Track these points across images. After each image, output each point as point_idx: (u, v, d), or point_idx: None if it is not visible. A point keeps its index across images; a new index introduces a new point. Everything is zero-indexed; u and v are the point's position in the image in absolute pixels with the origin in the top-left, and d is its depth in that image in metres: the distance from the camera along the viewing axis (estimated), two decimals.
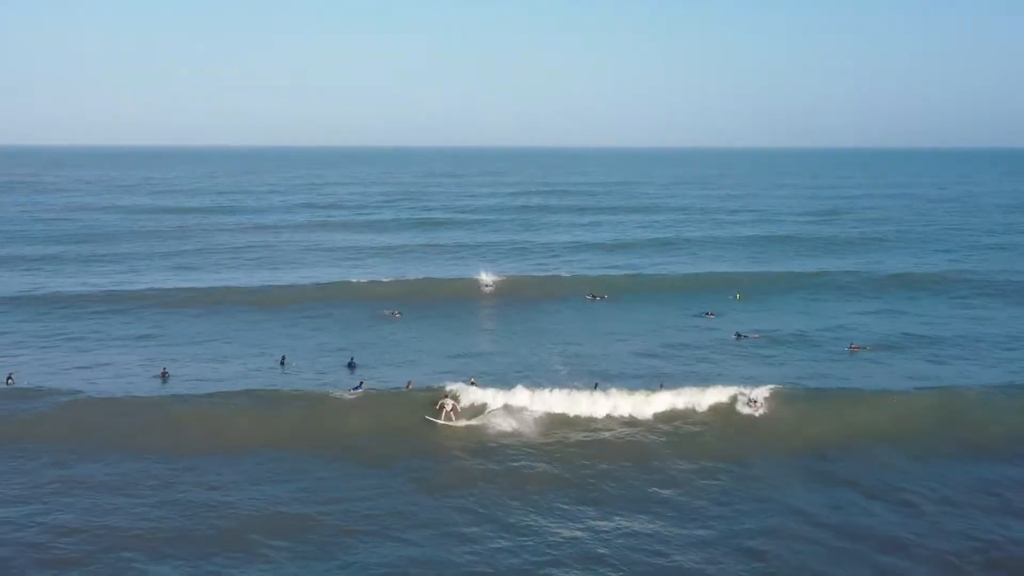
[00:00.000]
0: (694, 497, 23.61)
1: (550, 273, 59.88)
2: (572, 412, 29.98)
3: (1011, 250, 72.08)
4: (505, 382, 32.31)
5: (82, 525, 21.39)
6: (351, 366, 36.18)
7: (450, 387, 30.86)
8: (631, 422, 29.48)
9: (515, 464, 25.91)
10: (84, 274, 59.33)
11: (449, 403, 29.76)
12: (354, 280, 54.51)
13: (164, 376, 34.44)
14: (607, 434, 28.58)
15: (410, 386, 31.63)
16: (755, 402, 30.78)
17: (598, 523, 22.11)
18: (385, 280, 54.46)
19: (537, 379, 32.97)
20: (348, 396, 30.77)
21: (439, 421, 29.25)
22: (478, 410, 29.97)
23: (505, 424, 29.11)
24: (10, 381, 32.84)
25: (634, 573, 19.56)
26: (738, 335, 41.90)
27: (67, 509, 22.33)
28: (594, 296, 52.08)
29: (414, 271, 60.43)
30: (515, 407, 29.96)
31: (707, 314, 47.07)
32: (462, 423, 29.18)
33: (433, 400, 29.98)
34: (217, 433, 27.42)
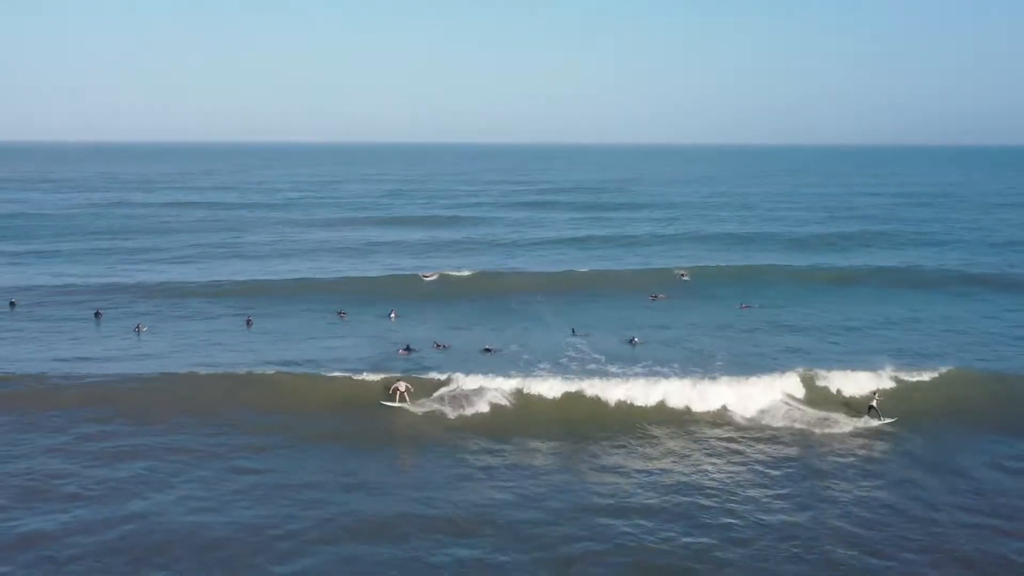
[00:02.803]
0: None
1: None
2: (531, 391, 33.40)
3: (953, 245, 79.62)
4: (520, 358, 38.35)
5: None
6: (391, 316, 47.65)
7: (401, 375, 34.22)
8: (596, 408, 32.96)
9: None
10: (141, 263, 67.16)
11: (403, 385, 32.60)
12: (395, 273, 61.64)
13: (249, 324, 45.28)
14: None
15: (392, 316, 44.15)
16: (876, 409, 31.71)
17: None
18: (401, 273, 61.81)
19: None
20: (400, 353, 39.02)
21: (394, 404, 32.26)
22: (430, 391, 33.31)
23: (457, 406, 32.20)
24: (138, 329, 43.46)
25: None
26: (653, 296, 53.89)
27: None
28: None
29: (448, 263, 67.31)
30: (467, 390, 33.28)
31: (681, 275, 59.03)
32: (414, 406, 32.22)
33: (387, 386, 33.33)
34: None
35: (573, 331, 43.95)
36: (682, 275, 59.42)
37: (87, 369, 36.44)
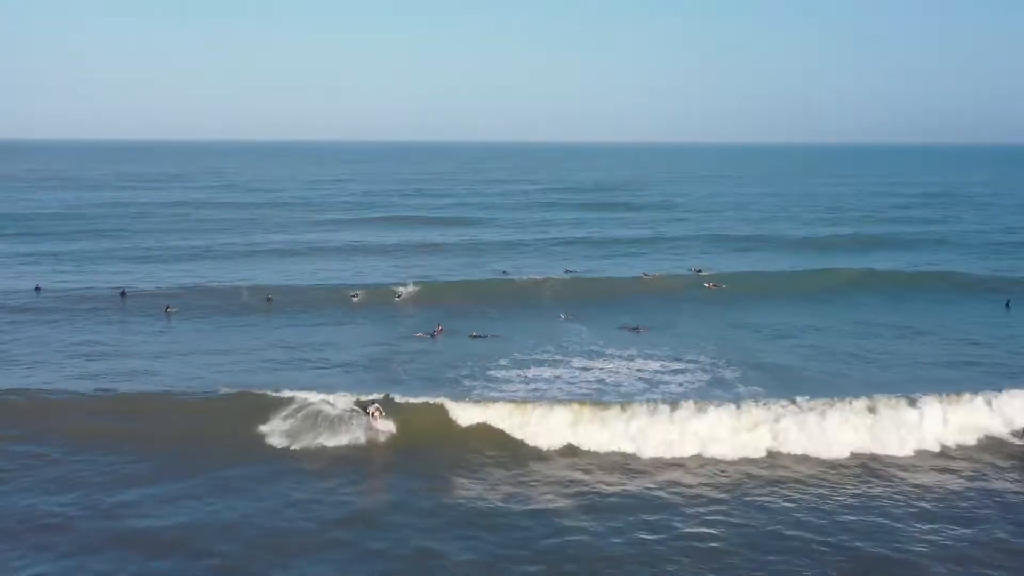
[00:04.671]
0: None
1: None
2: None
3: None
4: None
5: None
6: (398, 297, 51.48)
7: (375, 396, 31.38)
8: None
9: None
10: (154, 259, 68.34)
11: (373, 407, 30.48)
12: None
13: (270, 302, 48.69)
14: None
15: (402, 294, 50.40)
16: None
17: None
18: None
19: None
20: (416, 336, 42.24)
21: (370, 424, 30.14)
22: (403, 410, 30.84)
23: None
24: (168, 311, 46.62)
25: None
26: (644, 274, 59.68)
27: None
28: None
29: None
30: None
31: (697, 271, 61.75)
32: (386, 426, 29.97)
33: (362, 405, 30.76)
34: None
35: (564, 315, 47.15)
36: (698, 271, 62.12)
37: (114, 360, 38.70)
